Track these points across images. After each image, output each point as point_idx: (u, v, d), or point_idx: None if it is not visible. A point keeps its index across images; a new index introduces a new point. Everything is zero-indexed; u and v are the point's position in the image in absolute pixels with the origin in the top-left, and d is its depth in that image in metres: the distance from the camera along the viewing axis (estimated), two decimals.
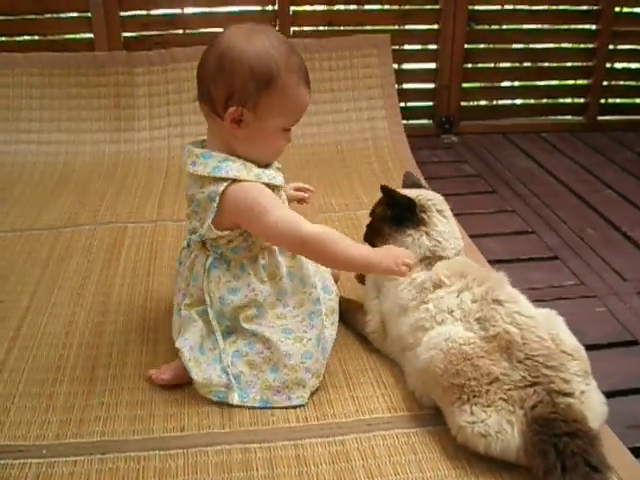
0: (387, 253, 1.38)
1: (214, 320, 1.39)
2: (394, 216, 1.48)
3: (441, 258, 1.44)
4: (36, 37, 2.87)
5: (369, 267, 1.40)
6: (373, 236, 1.55)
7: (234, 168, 1.30)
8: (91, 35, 2.78)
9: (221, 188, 1.29)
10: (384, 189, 1.47)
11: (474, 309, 1.30)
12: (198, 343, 1.39)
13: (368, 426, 1.30)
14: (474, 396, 1.20)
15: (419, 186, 1.63)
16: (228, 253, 1.39)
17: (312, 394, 1.38)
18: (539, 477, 1.10)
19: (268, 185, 1.34)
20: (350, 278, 1.75)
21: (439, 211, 1.49)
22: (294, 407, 1.35)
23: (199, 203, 1.34)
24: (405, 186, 1.61)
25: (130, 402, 1.36)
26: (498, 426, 1.17)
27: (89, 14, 2.74)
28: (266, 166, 1.38)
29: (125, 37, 2.81)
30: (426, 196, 1.52)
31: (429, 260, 1.44)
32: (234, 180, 1.30)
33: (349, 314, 1.56)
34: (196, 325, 1.40)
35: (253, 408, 1.34)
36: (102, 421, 1.31)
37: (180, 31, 2.87)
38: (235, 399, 1.35)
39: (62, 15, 2.81)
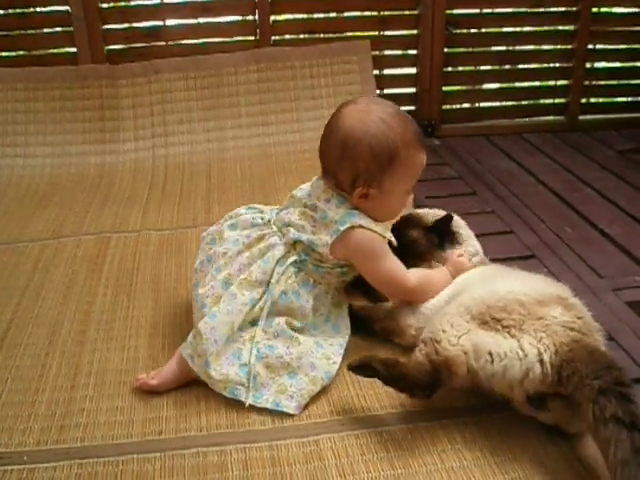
0: (457, 269, 1.55)
1: (267, 309, 1.42)
2: (441, 241, 1.61)
3: None
4: (20, 52, 2.91)
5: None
6: (414, 259, 1.60)
7: (364, 219, 1.43)
8: (74, 49, 2.82)
9: (354, 221, 1.42)
10: (445, 220, 1.60)
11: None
12: (226, 336, 1.39)
13: (342, 426, 1.33)
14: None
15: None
16: (309, 267, 1.47)
17: None
18: (590, 399, 1.10)
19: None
20: None
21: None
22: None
23: (325, 216, 1.44)
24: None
25: (110, 408, 1.39)
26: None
27: (72, 28, 2.78)
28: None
29: (108, 50, 2.85)
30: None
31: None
32: (360, 226, 1.42)
33: (380, 319, 1.59)
34: (232, 315, 1.40)
35: (264, 409, 1.36)
36: (82, 427, 1.34)
37: (162, 43, 2.91)
38: (249, 399, 1.36)
39: (45, 30, 2.86)
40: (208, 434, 1.32)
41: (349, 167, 1.41)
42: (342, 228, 1.41)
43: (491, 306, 1.28)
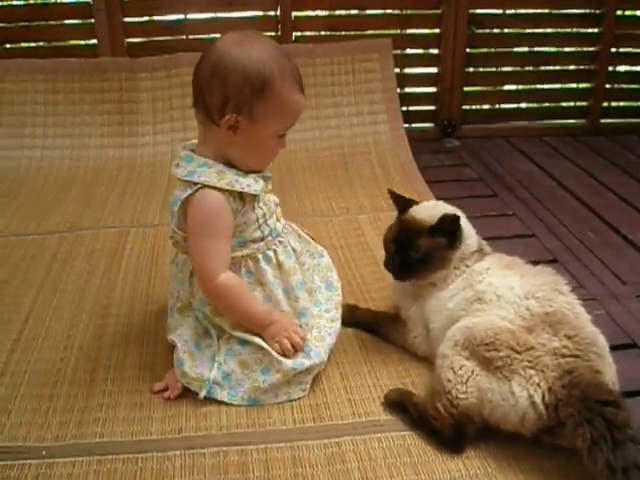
0: (277, 327, 1.39)
1: (205, 320, 1.42)
2: (452, 240, 1.47)
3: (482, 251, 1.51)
4: (40, 43, 2.90)
5: (256, 328, 1.40)
6: (430, 269, 1.47)
7: (206, 174, 1.31)
8: (95, 41, 2.82)
9: (185, 194, 1.31)
10: (450, 218, 1.45)
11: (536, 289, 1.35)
12: (193, 340, 1.41)
13: (364, 428, 1.31)
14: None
15: (408, 200, 1.62)
16: None
17: (309, 397, 1.40)
18: (583, 449, 1.11)
19: (241, 194, 1.34)
20: (379, 289, 1.78)
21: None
22: (283, 402, 1.39)
23: (170, 205, 1.37)
24: (399, 204, 1.60)
25: (129, 404, 1.38)
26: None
27: (92, 20, 2.78)
28: (254, 172, 1.39)
29: (128, 43, 2.85)
30: (446, 209, 1.54)
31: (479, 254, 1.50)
32: (204, 185, 1.30)
33: (386, 327, 1.59)
34: (189, 324, 1.43)
35: (240, 406, 1.37)
36: (101, 423, 1.33)
37: (183, 37, 2.89)
38: (224, 397, 1.37)
39: (66, 22, 2.85)
40: (228, 433, 1.30)
41: (219, 89, 1.27)
42: (176, 207, 1.33)
43: (480, 344, 1.27)
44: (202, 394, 1.36)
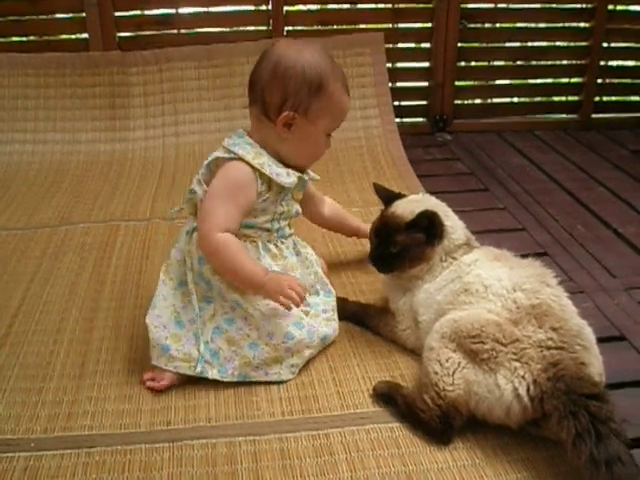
0: (276, 279, 1.39)
1: (192, 284, 1.42)
2: (430, 236, 1.48)
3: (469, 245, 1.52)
4: (32, 37, 2.89)
5: (254, 286, 1.40)
6: (409, 264, 1.49)
7: (246, 150, 1.40)
8: (86, 35, 2.81)
9: (220, 154, 1.41)
10: (428, 215, 1.47)
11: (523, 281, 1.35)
12: (173, 319, 1.42)
13: (352, 420, 1.31)
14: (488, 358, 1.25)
15: (394, 194, 1.64)
16: None
17: (298, 389, 1.40)
18: (567, 442, 1.11)
19: (270, 181, 1.39)
20: (368, 283, 1.79)
21: (445, 212, 1.54)
22: (273, 382, 1.41)
23: (205, 162, 1.45)
24: (384, 198, 1.63)
25: (118, 397, 1.38)
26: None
27: (84, 14, 2.77)
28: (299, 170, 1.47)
29: (120, 37, 2.84)
30: (429, 204, 1.54)
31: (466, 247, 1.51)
32: (239, 159, 1.38)
33: (375, 319, 1.59)
34: (168, 299, 1.43)
35: (231, 382, 1.39)
36: (90, 415, 1.33)
37: (174, 31, 2.89)
38: (215, 375, 1.39)
39: (57, 15, 2.84)
40: (217, 425, 1.31)
41: (278, 88, 1.38)
42: (207, 162, 1.42)
43: (466, 336, 1.27)
44: (198, 369, 1.38)
